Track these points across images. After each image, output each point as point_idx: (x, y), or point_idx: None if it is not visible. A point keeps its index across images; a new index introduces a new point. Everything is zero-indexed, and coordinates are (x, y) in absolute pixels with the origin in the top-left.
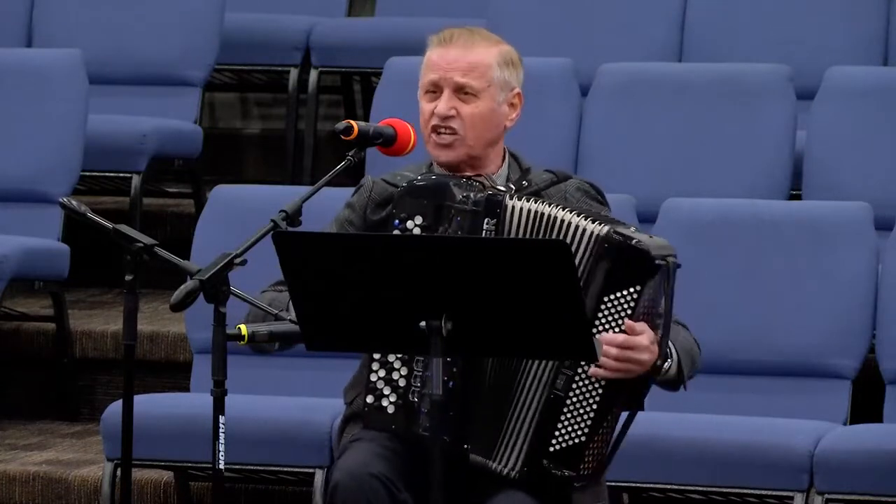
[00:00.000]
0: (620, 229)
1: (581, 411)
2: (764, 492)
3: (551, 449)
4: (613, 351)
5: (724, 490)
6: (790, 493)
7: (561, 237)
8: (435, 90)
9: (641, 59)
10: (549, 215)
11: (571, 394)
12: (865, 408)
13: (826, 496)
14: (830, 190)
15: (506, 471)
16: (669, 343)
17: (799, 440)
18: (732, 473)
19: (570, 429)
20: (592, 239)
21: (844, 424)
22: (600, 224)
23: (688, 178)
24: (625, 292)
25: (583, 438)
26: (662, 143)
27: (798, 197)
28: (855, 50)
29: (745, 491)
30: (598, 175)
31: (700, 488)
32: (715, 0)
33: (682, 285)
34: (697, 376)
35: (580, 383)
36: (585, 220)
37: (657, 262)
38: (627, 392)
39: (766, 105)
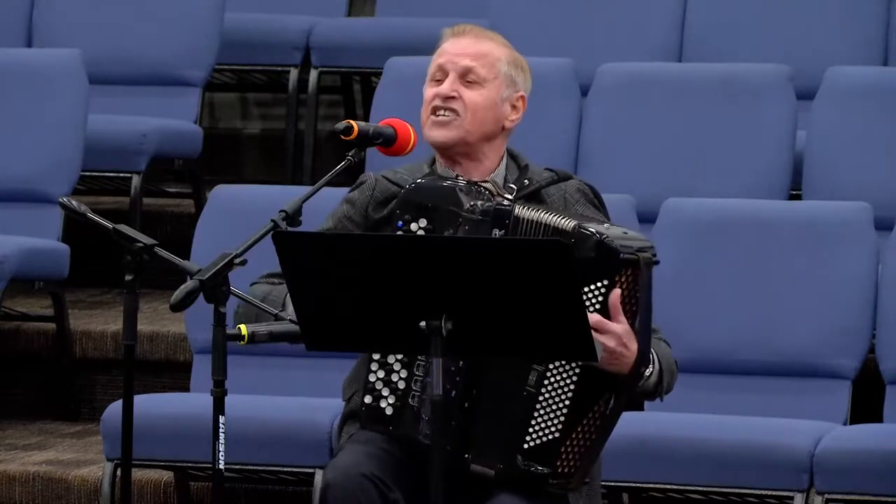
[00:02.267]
0: (588, 224)
1: (553, 407)
2: (764, 492)
3: (526, 446)
4: None
5: (724, 490)
6: (790, 493)
7: (532, 236)
8: (441, 76)
9: (641, 59)
10: (540, 221)
11: (543, 390)
12: (865, 408)
13: (826, 496)
14: (830, 190)
15: (486, 471)
16: (653, 352)
17: (799, 440)
18: (732, 473)
19: (543, 425)
20: (560, 235)
21: (844, 424)
22: (569, 220)
23: (688, 178)
24: (591, 287)
25: (556, 435)
26: (662, 143)
27: (798, 197)
28: (855, 50)
29: (745, 491)
30: (598, 175)
31: (700, 488)
32: (715, 0)
33: (683, 285)
34: (697, 376)
35: (552, 379)
36: (559, 218)
37: (624, 256)
38: (608, 391)
39: (766, 105)
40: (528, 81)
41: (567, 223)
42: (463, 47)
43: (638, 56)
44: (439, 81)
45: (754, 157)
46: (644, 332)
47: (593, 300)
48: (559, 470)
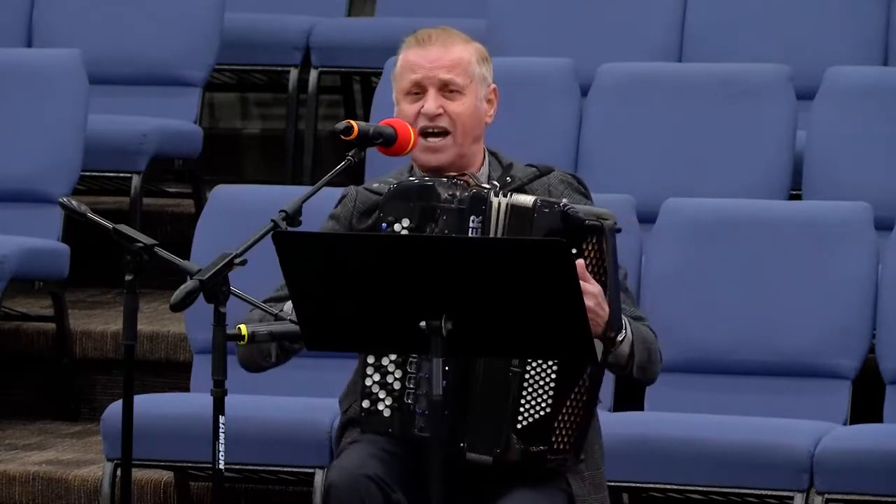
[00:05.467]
0: (548, 199)
1: (541, 382)
2: (764, 492)
3: (519, 426)
4: None
5: (724, 490)
6: (790, 493)
7: (504, 221)
8: (418, 91)
9: (641, 59)
10: (511, 204)
11: (528, 367)
12: (865, 408)
13: (826, 496)
14: (830, 190)
15: (483, 458)
16: (624, 320)
17: (799, 440)
18: (732, 473)
19: (533, 402)
20: (524, 213)
21: (844, 424)
22: (530, 197)
23: (688, 178)
24: None
25: (548, 410)
26: (662, 143)
27: (798, 197)
28: (855, 50)
29: (745, 491)
30: (598, 175)
31: (700, 488)
32: (715, 0)
33: (683, 285)
34: (698, 376)
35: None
36: (521, 197)
37: (588, 223)
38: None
39: (766, 105)
40: (492, 69)
41: (527, 199)
42: (435, 59)
43: (638, 56)
44: (417, 95)
45: (754, 157)
46: (613, 296)
47: None
48: (555, 446)
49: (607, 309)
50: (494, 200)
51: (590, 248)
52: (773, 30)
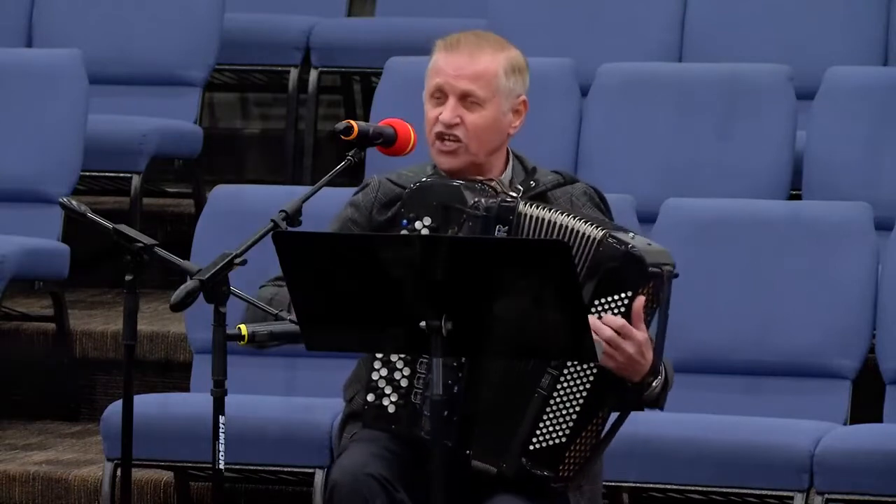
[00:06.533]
0: (617, 234)
1: (563, 412)
2: (764, 492)
3: (531, 448)
4: (608, 332)
5: (724, 490)
6: (790, 493)
7: (543, 235)
8: (440, 96)
9: (641, 59)
10: (554, 222)
11: (555, 393)
12: (865, 408)
13: (826, 496)
14: (830, 190)
15: (488, 467)
16: (663, 363)
17: (799, 440)
18: (732, 473)
19: (551, 429)
20: (588, 242)
21: (844, 424)
22: (598, 228)
23: (688, 178)
24: (616, 297)
25: (563, 440)
26: (662, 143)
27: (798, 197)
28: (855, 50)
29: (745, 491)
30: (598, 175)
31: (700, 488)
32: (715, 0)
33: (683, 285)
34: (698, 376)
35: (564, 384)
36: (585, 223)
37: (650, 269)
38: (613, 399)
39: (766, 105)
40: (527, 80)
41: (597, 231)
42: (459, 67)
43: (638, 56)
44: (439, 100)
45: (754, 157)
46: (659, 344)
47: (615, 309)
48: (561, 474)
49: (650, 358)
50: (523, 211)
51: (646, 292)
52: (773, 30)
